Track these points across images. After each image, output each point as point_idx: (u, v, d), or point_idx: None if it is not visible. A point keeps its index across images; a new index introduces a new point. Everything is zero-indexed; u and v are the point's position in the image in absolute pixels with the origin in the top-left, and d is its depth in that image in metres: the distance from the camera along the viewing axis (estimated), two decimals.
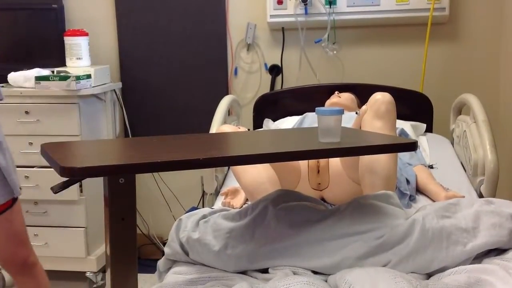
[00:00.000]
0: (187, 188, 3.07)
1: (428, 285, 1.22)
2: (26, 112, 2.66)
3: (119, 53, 3.07)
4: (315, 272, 1.38)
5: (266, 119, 2.76)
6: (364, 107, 1.76)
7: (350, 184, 1.83)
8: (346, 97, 2.54)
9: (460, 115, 2.65)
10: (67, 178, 1.32)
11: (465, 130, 2.40)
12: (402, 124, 2.47)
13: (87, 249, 2.76)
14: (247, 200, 1.98)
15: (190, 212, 1.58)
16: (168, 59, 3.02)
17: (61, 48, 2.88)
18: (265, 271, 1.42)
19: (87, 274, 2.79)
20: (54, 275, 2.92)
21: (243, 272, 1.43)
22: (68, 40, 2.85)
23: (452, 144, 2.64)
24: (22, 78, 2.70)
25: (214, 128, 2.29)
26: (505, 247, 1.40)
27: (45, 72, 2.74)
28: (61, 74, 2.67)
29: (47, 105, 2.66)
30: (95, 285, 2.81)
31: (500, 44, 2.85)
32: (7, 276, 2.72)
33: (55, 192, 1.34)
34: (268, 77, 3.02)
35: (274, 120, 2.77)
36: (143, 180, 3.11)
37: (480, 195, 2.05)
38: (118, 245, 1.19)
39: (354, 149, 1.34)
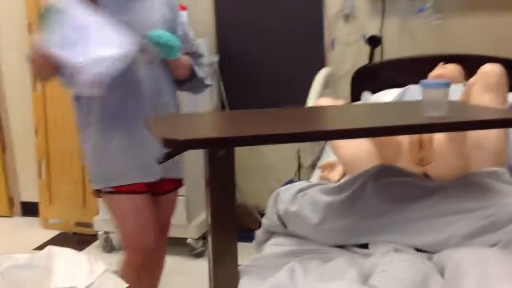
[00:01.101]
0: (284, 161, 3.08)
1: None
2: None
3: (216, 26, 3.10)
4: (418, 250, 1.33)
5: (364, 91, 2.69)
6: (472, 79, 1.66)
7: (456, 159, 1.74)
8: (452, 69, 2.41)
9: None
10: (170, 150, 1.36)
11: None
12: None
13: (188, 216, 2.85)
14: (344, 174, 1.96)
15: (288, 185, 1.58)
16: (264, 32, 3.01)
17: None
18: (364, 246, 1.39)
19: (188, 240, 2.89)
20: None
21: (342, 247, 1.41)
22: None
23: None
24: None
25: (312, 102, 2.27)
26: None
27: None
28: None
29: None
30: (195, 251, 2.91)
31: None
32: (115, 239, 2.89)
33: (159, 163, 1.39)
34: (367, 48, 2.93)
35: (373, 93, 2.70)
36: (240, 152, 3.15)
37: None
38: (218, 215, 1.21)
39: (461, 123, 1.27)
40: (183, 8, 2.93)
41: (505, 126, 1.48)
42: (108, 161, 1.70)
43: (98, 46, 1.53)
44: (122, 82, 1.62)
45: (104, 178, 1.72)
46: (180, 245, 3.02)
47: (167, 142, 1.12)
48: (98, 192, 1.79)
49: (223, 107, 3.14)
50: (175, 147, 1.15)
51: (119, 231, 1.78)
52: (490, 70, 1.61)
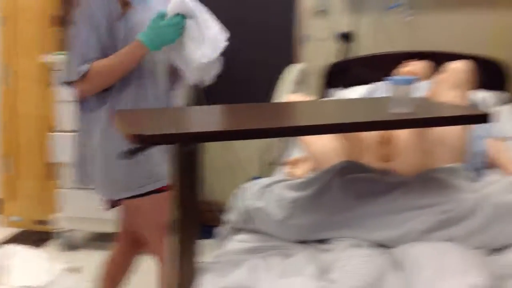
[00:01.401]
0: (250, 156, 3.08)
1: (494, 260, 1.18)
2: None
3: None
4: (378, 245, 1.36)
5: (335, 88, 2.71)
6: (439, 76, 1.69)
7: (419, 156, 1.77)
8: (422, 66, 2.45)
9: None
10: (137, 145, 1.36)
11: None
12: (479, 94, 2.36)
13: None
14: (311, 170, 1.97)
15: (254, 182, 1.58)
16: (236, 27, 3.00)
17: None
18: (326, 241, 1.41)
19: None
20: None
21: (304, 242, 1.43)
22: None
23: None
24: None
25: (282, 98, 2.28)
26: None
27: None
28: None
29: None
30: None
31: None
32: (75, 237, 2.86)
33: (123, 159, 1.39)
34: (340, 44, 2.95)
35: (344, 89, 2.72)
36: (205, 147, 3.14)
37: None
38: (184, 212, 1.21)
39: (424, 120, 1.30)
40: None
41: (466, 122, 1.51)
42: (147, 163, 1.66)
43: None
44: (140, 81, 1.65)
45: (144, 181, 1.68)
46: None
47: (134, 138, 1.11)
48: (118, 201, 1.75)
49: (197, 102, 3.13)
50: (141, 143, 1.14)
51: (153, 230, 1.73)
52: (457, 67, 1.64)
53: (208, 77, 1.73)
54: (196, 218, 1.23)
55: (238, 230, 1.52)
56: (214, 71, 1.72)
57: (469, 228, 1.29)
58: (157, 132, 1.14)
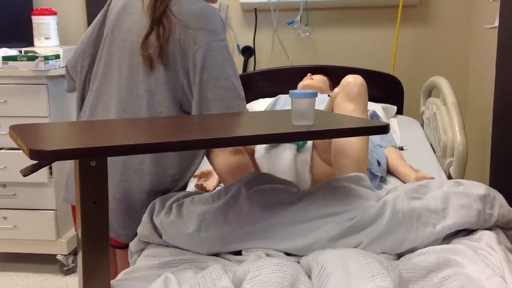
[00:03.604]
0: None
1: (398, 265, 1.24)
2: None
3: None
4: (287, 254, 1.39)
5: None
6: (336, 89, 1.77)
7: (323, 166, 1.84)
8: (319, 79, 2.55)
9: (430, 97, 2.69)
10: (37, 161, 1.30)
11: (435, 112, 2.43)
12: (373, 106, 2.49)
13: (57, 231, 2.73)
14: (220, 182, 1.98)
15: (165, 195, 1.57)
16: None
17: (29, 28, 2.81)
18: (238, 253, 1.42)
19: (58, 256, 2.77)
20: (24, 258, 2.89)
21: (216, 255, 1.43)
22: (36, 20, 2.78)
23: (422, 126, 2.68)
24: None
25: None
26: (474, 227, 1.44)
27: (13, 52, 2.67)
28: (29, 54, 2.61)
29: (14, 86, 2.60)
30: (65, 268, 2.79)
31: (470, 27, 2.89)
32: None
33: (25, 175, 1.32)
34: (241, 58, 3.01)
35: (247, 102, 2.76)
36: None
37: (449, 177, 2.10)
38: (90, 228, 1.18)
39: (326, 132, 1.34)
40: (54, 13, 2.81)
41: (365, 133, 1.59)
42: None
43: None
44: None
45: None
46: (49, 262, 2.88)
47: (34, 153, 1.06)
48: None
49: None
50: (43, 159, 1.09)
51: None
52: (352, 81, 1.72)
53: None
54: (105, 235, 1.19)
55: (147, 244, 1.49)
56: None
57: (373, 235, 1.35)
58: (59, 147, 1.10)
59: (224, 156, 1.60)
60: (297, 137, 1.46)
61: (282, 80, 2.77)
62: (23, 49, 2.72)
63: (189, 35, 1.52)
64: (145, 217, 1.50)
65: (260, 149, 1.90)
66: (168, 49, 1.53)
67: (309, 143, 1.86)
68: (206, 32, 1.53)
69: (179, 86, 1.58)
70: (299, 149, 1.84)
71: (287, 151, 1.84)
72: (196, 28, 1.52)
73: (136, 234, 1.52)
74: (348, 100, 1.71)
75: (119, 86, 1.61)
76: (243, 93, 1.62)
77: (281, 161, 1.83)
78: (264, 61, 3.00)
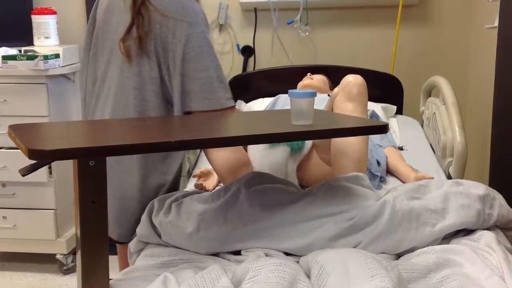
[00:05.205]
0: None
1: (397, 265, 1.24)
2: None
3: None
4: (287, 254, 1.39)
5: (238, 100, 2.75)
6: (336, 89, 1.76)
7: (322, 166, 1.84)
8: (318, 79, 2.54)
9: (430, 97, 2.69)
10: (36, 161, 1.30)
11: (434, 112, 2.43)
12: (373, 106, 2.49)
13: (56, 231, 2.73)
14: (219, 182, 1.98)
15: (164, 195, 1.57)
16: None
17: (29, 27, 2.81)
18: (237, 253, 1.42)
19: (57, 256, 2.77)
20: (23, 257, 2.89)
21: (216, 254, 1.43)
22: (35, 19, 2.78)
23: (422, 126, 2.68)
24: None
25: None
26: (473, 227, 1.44)
27: (12, 51, 2.67)
28: (29, 53, 2.60)
29: (14, 85, 2.60)
30: (65, 267, 2.79)
31: (470, 26, 2.88)
32: None
33: (24, 175, 1.32)
34: (241, 58, 3.00)
35: (246, 102, 2.76)
36: None
37: (449, 177, 2.09)
38: (89, 228, 1.17)
39: (326, 131, 1.34)
40: (53, 13, 2.81)
41: (365, 133, 1.59)
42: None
43: None
44: None
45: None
46: (48, 261, 2.88)
47: (32, 153, 1.06)
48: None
49: None
50: (41, 158, 1.09)
51: None
52: (352, 81, 1.72)
53: None
54: (104, 234, 1.19)
55: (146, 244, 1.49)
56: None
57: (372, 234, 1.35)
58: (58, 147, 1.09)
59: (223, 155, 1.60)
60: (296, 137, 1.45)
61: (282, 79, 2.77)
62: (22, 49, 2.71)
63: (168, 29, 1.53)
64: (144, 217, 1.50)
65: (252, 150, 1.90)
66: (149, 43, 1.54)
67: (306, 146, 1.86)
68: (185, 24, 1.53)
69: (163, 81, 1.58)
70: (293, 152, 1.84)
71: (279, 153, 1.84)
72: (174, 20, 1.52)
73: (130, 233, 1.53)
74: (348, 99, 1.71)
75: (109, 87, 1.63)
76: (224, 85, 1.58)
77: (273, 162, 1.84)
78: (264, 60, 2.99)
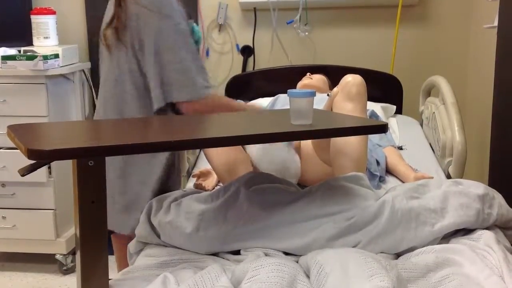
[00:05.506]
0: None
1: (397, 264, 1.24)
2: None
3: (87, 32, 3.01)
4: (286, 253, 1.39)
5: (238, 100, 2.75)
6: (335, 89, 1.77)
7: (321, 166, 1.84)
8: (318, 79, 2.54)
9: (429, 97, 2.69)
10: (35, 161, 1.30)
11: (434, 112, 2.43)
12: (372, 106, 2.49)
13: (56, 231, 2.73)
14: (219, 182, 1.98)
15: (163, 195, 1.57)
16: None
17: (28, 27, 2.81)
18: (236, 252, 1.42)
19: (57, 256, 2.77)
20: (23, 257, 2.89)
21: (215, 254, 1.43)
22: (35, 19, 2.78)
23: (421, 125, 2.68)
24: None
25: None
26: (472, 227, 1.44)
27: (12, 51, 2.67)
28: (28, 53, 2.60)
29: (13, 85, 2.60)
30: (64, 267, 2.79)
31: (469, 26, 2.88)
32: None
33: (23, 175, 1.32)
34: (240, 58, 3.00)
35: (246, 101, 2.76)
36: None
37: (448, 176, 2.09)
38: (88, 228, 1.17)
39: (325, 131, 1.34)
40: (53, 13, 2.80)
41: (364, 133, 1.59)
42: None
43: None
44: None
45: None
46: (48, 262, 2.88)
47: (31, 153, 1.06)
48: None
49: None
50: (41, 158, 1.09)
51: None
52: (351, 81, 1.72)
53: None
54: (104, 234, 1.19)
55: (145, 245, 1.49)
56: None
57: (372, 234, 1.35)
58: (57, 147, 1.09)
59: (222, 154, 1.60)
60: (295, 137, 1.46)
61: (281, 79, 2.77)
62: (22, 49, 2.71)
63: (143, 21, 1.54)
64: (143, 218, 1.50)
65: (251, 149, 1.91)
66: (126, 34, 1.55)
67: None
68: (159, 16, 1.53)
69: (142, 73, 1.59)
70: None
71: (278, 151, 1.84)
72: (148, 11, 1.53)
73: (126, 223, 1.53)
74: (347, 99, 1.71)
75: (101, 78, 1.68)
76: (201, 79, 1.57)
77: (271, 161, 1.84)
78: (264, 60, 2.99)
